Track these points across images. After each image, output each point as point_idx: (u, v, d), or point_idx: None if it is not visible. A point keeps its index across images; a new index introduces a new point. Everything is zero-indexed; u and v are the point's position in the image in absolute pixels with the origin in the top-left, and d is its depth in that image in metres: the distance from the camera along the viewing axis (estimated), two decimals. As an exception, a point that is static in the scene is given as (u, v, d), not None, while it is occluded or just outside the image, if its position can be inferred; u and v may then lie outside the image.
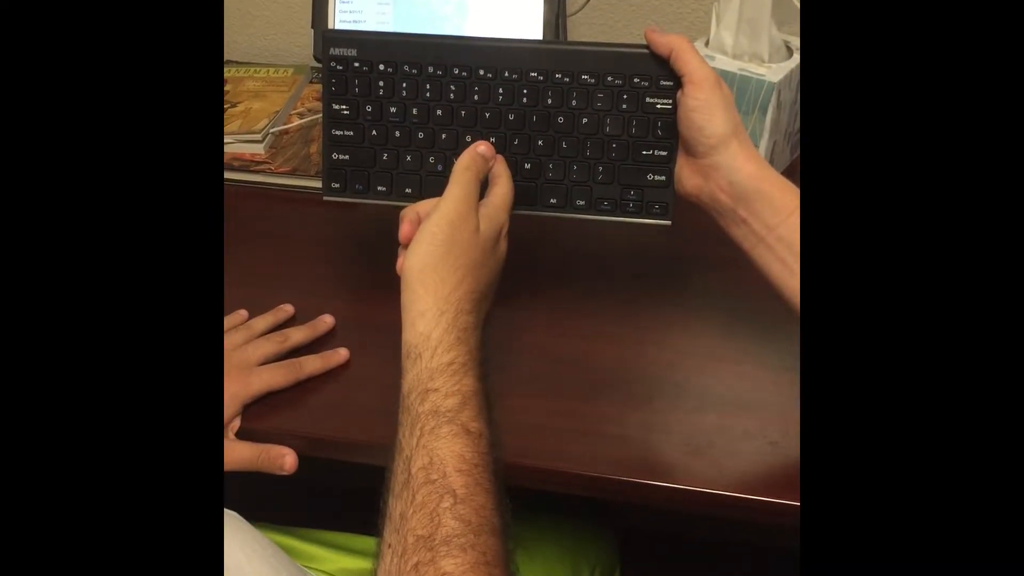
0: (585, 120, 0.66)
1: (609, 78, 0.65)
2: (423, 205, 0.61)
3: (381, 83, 0.67)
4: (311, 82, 1.06)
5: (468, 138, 0.66)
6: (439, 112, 0.67)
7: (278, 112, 0.99)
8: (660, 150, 0.66)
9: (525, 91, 0.66)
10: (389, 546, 0.48)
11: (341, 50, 0.67)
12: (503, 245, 0.62)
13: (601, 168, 0.67)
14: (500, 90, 0.66)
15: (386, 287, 0.77)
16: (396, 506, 0.49)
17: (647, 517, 1.12)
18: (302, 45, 1.13)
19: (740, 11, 0.82)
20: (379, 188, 0.69)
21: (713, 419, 0.65)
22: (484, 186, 0.63)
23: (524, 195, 0.67)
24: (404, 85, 0.67)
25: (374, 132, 0.68)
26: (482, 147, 0.63)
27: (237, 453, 0.64)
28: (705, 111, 0.61)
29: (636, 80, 0.65)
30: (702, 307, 0.75)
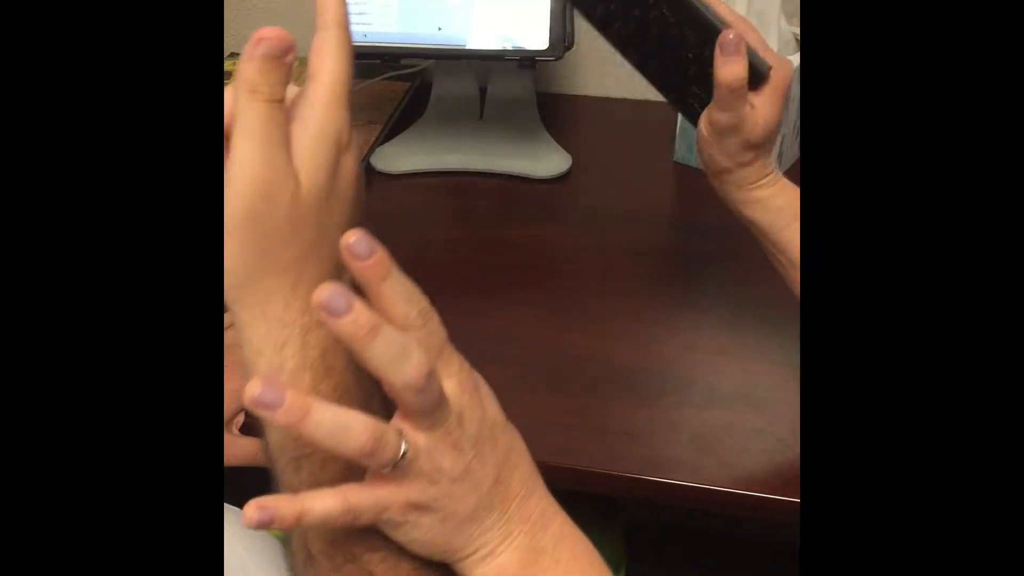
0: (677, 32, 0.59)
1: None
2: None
3: None
4: (316, 74, 1.06)
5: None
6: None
7: (282, 105, 0.99)
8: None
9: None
10: None
11: None
12: (347, 166, 0.40)
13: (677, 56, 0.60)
14: None
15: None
16: None
17: (653, 513, 1.12)
18: (307, 38, 1.12)
19: (749, 4, 0.81)
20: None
21: (721, 416, 0.65)
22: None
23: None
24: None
25: None
26: (266, 43, 0.38)
27: (240, 448, 0.64)
28: (764, 112, 0.57)
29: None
30: (709, 303, 0.75)
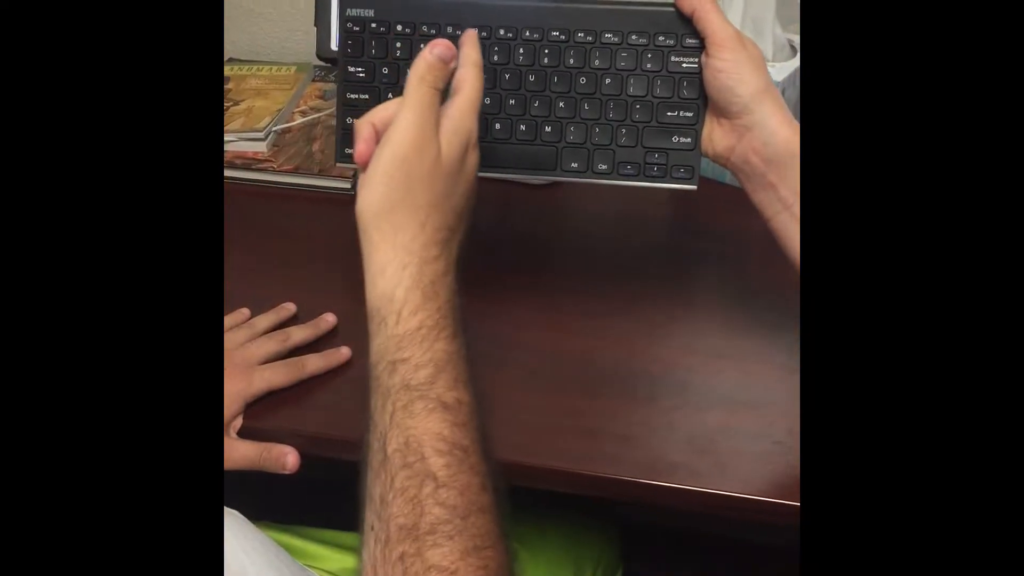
0: (608, 80, 0.64)
1: (633, 36, 0.63)
2: (379, 112, 0.54)
3: (399, 44, 0.65)
4: (314, 80, 1.06)
5: (487, 100, 0.64)
6: None
7: (281, 110, 0.99)
8: (686, 111, 0.64)
9: (546, 51, 0.64)
10: (372, 528, 0.46)
11: (358, 11, 0.65)
12: (472, 159, 0.55)
13: (624, 131, 0.64)
14: (520, 51, 0.64)
15: (389, 285, 0.77)
16: (375, 485, 0.47)
17: (650, 516, 1.12)
18: (305, 43, 1.13)
19: (744, 10, 0.82)
20: None
21: (717, 418, 0.65)
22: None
23: (545, 160, 0.65)
24: (422, 47, 0.64)
25: (390, 96, 0.64)
26: (439, 48, 0.54)
27: (239, 452, 0.64)
28: (733, 71, 0.59)
29: (661, 39, 0.63)
30: (707, 306, 0.75)
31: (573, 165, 0.65)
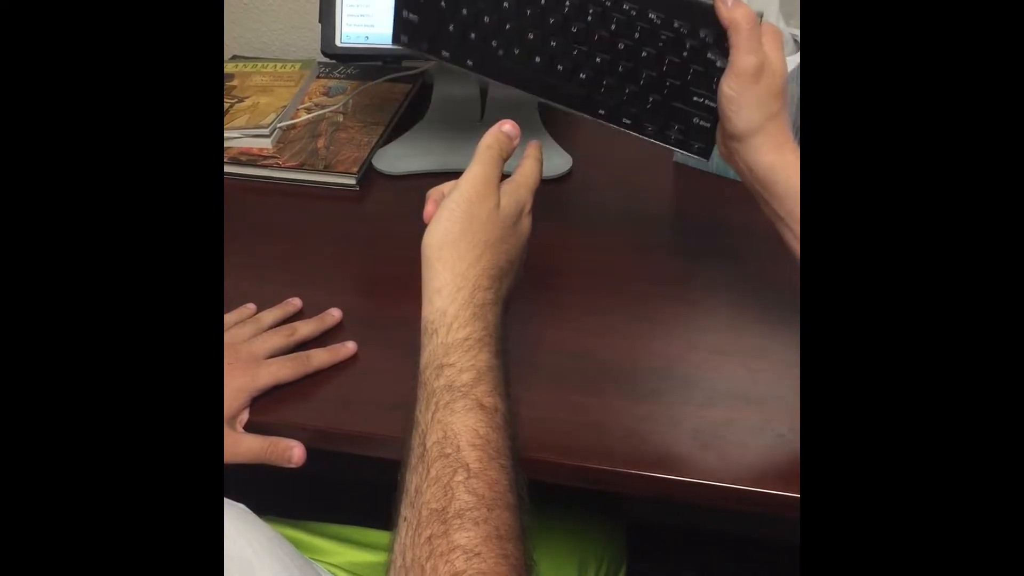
0: (645, 54, 0.65)
1: (676, 23, 0.64)
2: (446, 185, 0.62)
3: None
4: (318, 77, 1.07)
5: (530, 35, 0.66)
6: (506, 4, 0.66)
7: (285, 107, 0.99)
8: (711, 101, 0.65)
9: (591, 11, 0.65)
10: (404, 519, 0.49)
11: None
12: (526, 223, 0.62)
13: (652, 99, 0.66)
14: (567, 3, 0.65)
15: (393, 281, 0.77)
16: (411, 480, 0.50)
17: (655, 510, 1.12)
18: (309, 40, 1.13)
19: (747, 5, 0.82)
20: (443, 53, 0.68)
21: (721, 412, 0.65)
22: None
23: (576, 98, 0.67)
24: None
25: (443, 3, 0.67)
26: (507, 126, 0.62)
27: (245, 446, 0.65)
28: (734, 101, 0.61)
29: (702, 34, 0.64)
30: (710, 301, 0.75)
31: (600, 112, 0.67)
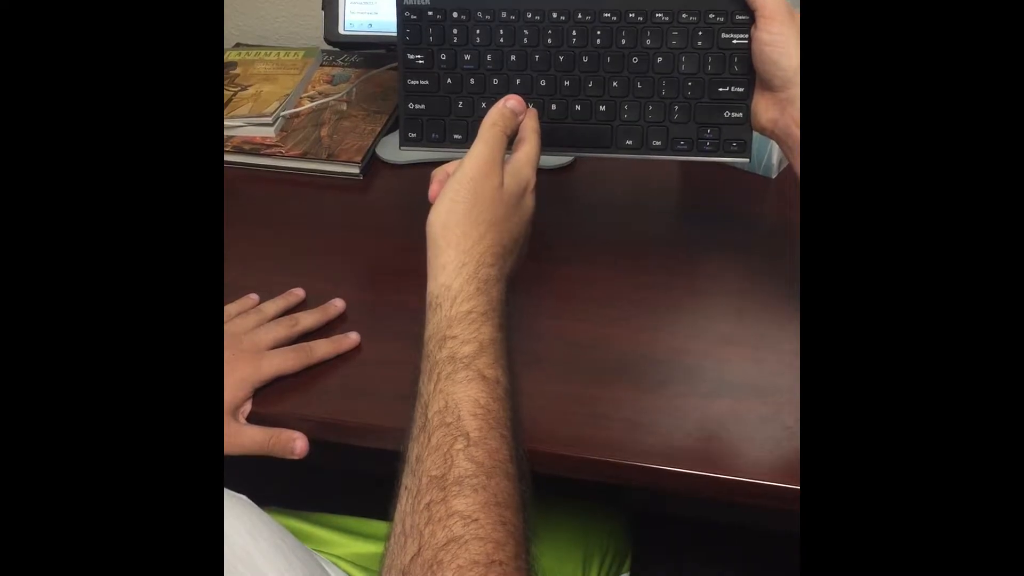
0: (660, 59, 0.66)
1: (684, 15, 0.65)
2: (451, 165, 0.62)
3: (455, 31, 0.68)
4: (322, 65, 1.06)
5: (543, 83, 0.67)
6: (513, 58, 0.68)
7: (289, 95, 0.99)
8: (736, 86, 0.66)
9: (599, 32, 0.66)
10: (405, 488, 0.49)
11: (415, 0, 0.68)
12: (529, 201, 0.62)
13: (677, 107, 0.67)
14: (573, 32, 0.66)
15: (397, 271, 0.77)
16: (413, 449, 0.50)
17: (659, 502, 1.12)
18: (313, 28, 1.13)
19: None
20: (455, 136, 0.70)
21: (727, 404, 0.65)
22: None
23: (599, 138, 0.68)
24: (478, 32, 0.67)
25: (449, 81, 0.68)
26: (511, 102, 0.63)
27: (247, 437, 0.64)
28: (779, 45, 0.61)
29: (711, 16, 0.65)
30: (715, 292, 0.75)
31: (628, 142, 0.68)
